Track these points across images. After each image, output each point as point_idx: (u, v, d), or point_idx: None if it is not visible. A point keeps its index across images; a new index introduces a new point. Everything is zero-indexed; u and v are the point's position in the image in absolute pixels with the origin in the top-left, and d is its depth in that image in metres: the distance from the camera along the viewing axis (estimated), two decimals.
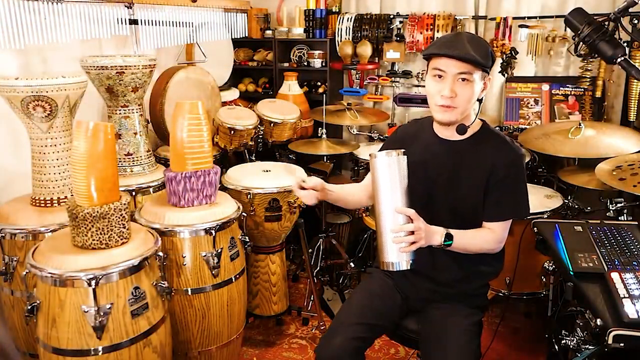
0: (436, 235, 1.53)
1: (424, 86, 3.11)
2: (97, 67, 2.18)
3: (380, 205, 1.50)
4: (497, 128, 3.21)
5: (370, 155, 1.54)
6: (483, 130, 1.68)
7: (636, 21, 2.73)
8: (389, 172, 1.49)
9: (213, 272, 2.09)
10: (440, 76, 1.56)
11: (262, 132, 3.02)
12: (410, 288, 1.78)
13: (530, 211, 2.41)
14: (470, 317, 1.69)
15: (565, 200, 2.59)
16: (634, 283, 1.47)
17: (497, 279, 2.52)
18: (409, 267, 1.49)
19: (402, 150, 1.52)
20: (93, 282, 1.62)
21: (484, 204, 1.63)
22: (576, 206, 2.60)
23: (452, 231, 1.56)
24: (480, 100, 1.63)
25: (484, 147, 1.64)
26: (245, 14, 3.54)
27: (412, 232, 1.46)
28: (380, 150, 1.87)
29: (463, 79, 1.53)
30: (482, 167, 1.61)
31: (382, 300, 1.76)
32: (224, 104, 3.14)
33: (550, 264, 1.91)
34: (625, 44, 2.10)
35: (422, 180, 1.68)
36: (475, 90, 1.56)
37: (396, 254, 1.48)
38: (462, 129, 1.61)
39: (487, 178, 1.61)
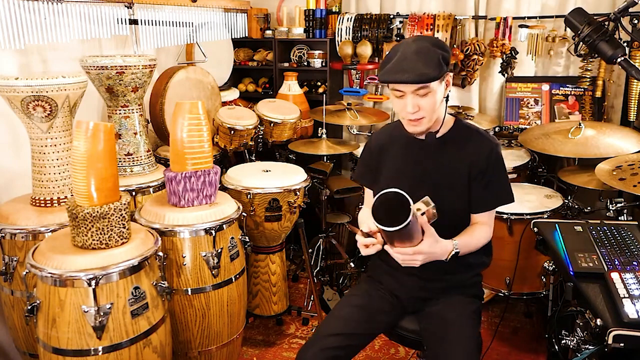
0: (444, 255, 1.55)
1: None
2: (97, 67, 2.18)
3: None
4: (497, 128, 3.23)
5: (376, 225, 1.35)
6: (457, 125, 1.72)
7: (636, 21, 2.73)
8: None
9: (213, 272, 2.09)
10: (400, 96, 1.58)
11: (262, 132, 3.02)
12: (400, 289, 1.78)
13: (530, 211, 2.45)
14: (468, 306, 1.71)
15: (565, 200, 2.59)
16: (634, 283, 1.47)
17: (497, 279, 2.52)
18: None
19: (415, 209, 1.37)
20: (93, 282, 1.62)
21: (469, 196, 1.67)
22: (576, 206, 2.60)
23: (457, 241, 1.58)
24: (447, 98, 1.65)
25: (461, 142, 1.68)
26: (245, 14, 3.54)
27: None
28: (359, 166, 1.88)
29: (422, 94, 1.55)
30: (462, 162, 1.66)
31: (364, 309, 1.74)
32: (224, 104, 3.14)
33: (550, 264, 1.90)
34: (625, 44, 2.11)
35: (407, 182, 1.68)
36: (437, 97, 1.58)
37: None
38: (431, 138, 1.67)
39: (469, 171, 1.65)
